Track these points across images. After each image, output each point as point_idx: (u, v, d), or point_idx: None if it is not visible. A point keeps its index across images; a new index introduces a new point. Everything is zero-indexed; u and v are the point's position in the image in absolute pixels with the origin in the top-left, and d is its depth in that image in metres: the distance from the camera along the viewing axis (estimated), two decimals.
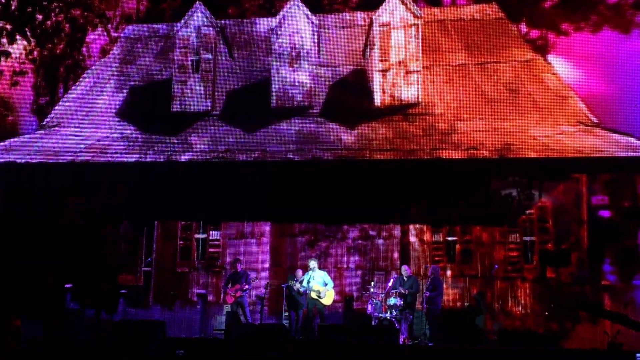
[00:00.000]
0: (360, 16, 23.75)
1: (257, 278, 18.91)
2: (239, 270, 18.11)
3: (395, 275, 17.79)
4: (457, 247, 19.44)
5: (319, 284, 17.54)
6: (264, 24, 23.74)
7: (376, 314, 16.94)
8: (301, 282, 17.53)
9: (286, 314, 17.99)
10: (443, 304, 17.70)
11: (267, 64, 21.98)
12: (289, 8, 21.29)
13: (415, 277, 17.89)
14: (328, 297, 17.59)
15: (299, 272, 18.10)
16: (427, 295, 16.87)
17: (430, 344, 16.19)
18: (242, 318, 17.49)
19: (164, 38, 24.63)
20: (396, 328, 16.23)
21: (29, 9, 25.25)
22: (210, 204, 20.21)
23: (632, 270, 18.84)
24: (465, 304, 19.05)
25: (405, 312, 16.83)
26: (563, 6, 23.26)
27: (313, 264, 17.83)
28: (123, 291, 20.01)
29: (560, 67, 20.97)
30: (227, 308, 18.26)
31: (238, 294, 17.67)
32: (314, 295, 17.48)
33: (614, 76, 20.34)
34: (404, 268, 17.72)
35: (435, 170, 19.04)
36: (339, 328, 16.69)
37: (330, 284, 17.73)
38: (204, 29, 21.70)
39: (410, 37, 20.29)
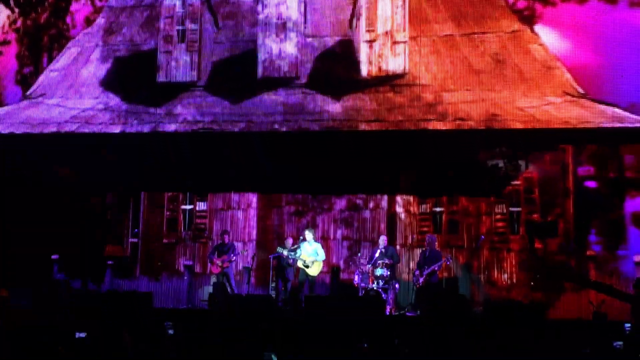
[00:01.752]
0: None
1: (245, 250, 18.93)
2: (226, 242, 18.15)
3: (384, 244, 17.77)
4: (444, 217, 19.51)
5: (308, 254, 17.60)
6: None
7: (363, 284, 17.01)
8: (292, 251, 17.59)
9: (273, 284, 18.04)
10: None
11: (253, 35, 21.78)
12: None
13: (394, 247, 18.00)
14: (315, 268, 17.65)
15: (289, 240, 18.16)
16: (435, 268, 16.80)
17: (416, 314, 16.29)
18: (228, 289, 17.55)
19: (149, 8, 24.34)
20: (383, 299, 16.32)
21: None
22: (196, 175, 20.19)
23: (617, 241, 18.97)
24: (452, 274, 19.14)
25: (391, 282, 16.90)
26: None
27: (309, 235, 17.88)
28: (110, 262, 20.02)
29: (547, 37, 20.91)
30: (213, 279, 18.31)
31: (225, 264, 17.71)
32: (300, 264, 17.55)
33: (600, 47, 20.30)
34: (381, 238, 17.76)
35: (421, 141, 19.06)
36: (325, 299, 16.79)
37: (322, 256, 17.79)
38: None
39: (397, 8, 20.17)
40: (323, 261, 17.92)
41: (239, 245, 19.05)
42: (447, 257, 17.17)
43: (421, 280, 16.85)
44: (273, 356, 9.56)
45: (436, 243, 17.74)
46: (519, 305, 16.41)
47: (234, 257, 17.92)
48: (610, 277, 18.20)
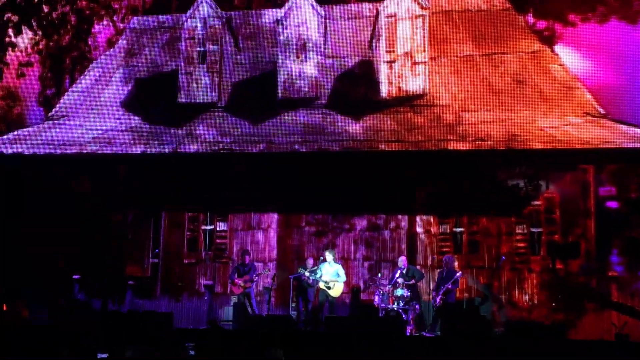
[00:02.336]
0: (366, 7, 23.69)
1: (268, 269, 18.88)
2: (246, 262, 18.15)
3: (404, 265, 17.73)
4: (464, 238, 19.44)
5: (330, 275, 17.60)
6: (270, 15, 23.70)
7: (383, 305, 16.96)
8: (313, 272, 17.59)
9: (294, 304, 18.02)
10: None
11: (273, 56, 21.95)
12: None
13: (415, 267, 17.98)
14: (336, 289, 17.63)
15: (310, 261, 18.18)
16: (449, 287, 16.77)
17: (437, 335, 16.21)
18: (248, 309, 17.55)
19: (170, 29, 24.61)
20: (403, 319, 16.27)
21: (35, 0, 25.29)
22: (217, 195, 20.25)
23: (639, 261, 18.82)
24: (473, 295, 19.06)
25: (412, 303, 16.84)
26: None
27: (329, 256, 17.87)
28: (130, 282, 20.07)
29: (568, 57, 20.92)
30: (234, 299, 18.31)
31: (247, 284, 17.71)
32: (322, 285, 17.54)
33: (621, 67, 20.30)
34: (401, 259, 17.71)
35: (441, 162, 19.05)
36: (346, 320, 16.75)
37: (343, 277, 17.78)
38: (210, 20, 21.67)
39: (417, 28, 20.24)
40: (344, 282, 17.90)
41: (259, 266, 19.06)
42: (458, 272, 17.17)
43: (438, 299, 16.82)
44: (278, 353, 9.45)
45: (455, 263, 17.70)
46: (540, 326, 16.29)
47: (256, 277, 17.93)
48: (632, 298, 18.06)
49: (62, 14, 26.17)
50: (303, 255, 19.41)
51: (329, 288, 17.54)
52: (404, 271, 17.28)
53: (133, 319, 15.47)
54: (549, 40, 22.26)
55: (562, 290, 18.30)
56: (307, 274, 17.55)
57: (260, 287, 19.22)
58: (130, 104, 22.31)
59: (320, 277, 17.55)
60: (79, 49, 26.54)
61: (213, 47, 21.59)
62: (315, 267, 17.76)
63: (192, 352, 11.82)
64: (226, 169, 20.12)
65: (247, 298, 17.82)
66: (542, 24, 22.94)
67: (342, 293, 18.11)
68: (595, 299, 18.15)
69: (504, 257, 18.46)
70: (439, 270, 17.94)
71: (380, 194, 19.51)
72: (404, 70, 20.10)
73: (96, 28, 26.76)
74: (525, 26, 22.29)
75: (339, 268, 17.86)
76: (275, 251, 20.14)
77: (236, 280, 17.82)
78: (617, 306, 17.69)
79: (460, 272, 17.33)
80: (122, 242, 20.87)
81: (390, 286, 17.09)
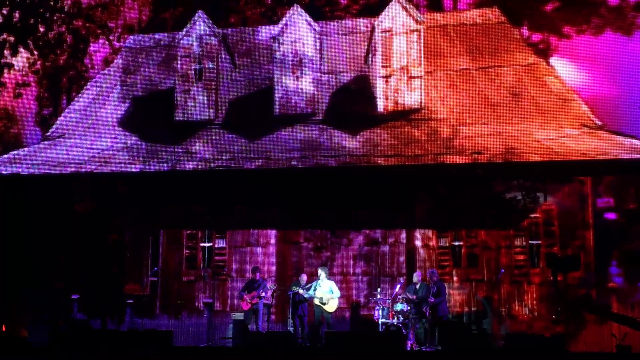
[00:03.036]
0: (362, 22, 23.80)
1: (274, 285, 18.72)
2: (257, 278, 18.07)
3: (402, 281, 17.70)
4: (463, 251, 19.42)
5: (324, 292, 17.55)
6: (265, 32, 23.83)
7: (383, 320, 16.92)
8: (308, 289, 17.54)
9: (291, 321, 17.95)
10: (449, 308, 17.65)
11: (269, 72, 22.03)
12: (291, 15, 21.32)
13: (427, 284, 17.89)
14: (331, 305, 17.57)
15: (304, 277, 18.11)
16: (432, 301, 16.72)
17: (437, 349, 16.15)
18: (252, 325, 17.47)
19: (166, 47, 24.70)
20: (403, 334, 16.22)
21: (32, 20, 25.36)
22: (215, 212, 20.24)
23: (638, 272, 18.81)
24: (472, 308, 19.02)
25: (412, 317, 16.78)
26: (564, 9, 23.30)
27: (322, 273, 17.82)
28: (129, 301, 20.01)
29: (563, 69, 21.04)
30: (236, 316, 18.20)
31: (254, 300, 17.62)
32: (317, 302, 17.49)
33: (616, 78, 20.38)
34: (415, 275, 17.65)
35: (439, 176, 19.06)
36: (346, 335, 16.69)
37: (337, 293, 17.72)
38: (206, 38, 21.72)
39: (412, 43, 20.29)
40: (339, 298, 17.84)
41: (269, 282, 18.96)
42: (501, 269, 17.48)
43: (428, 313, 16.73)
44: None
45: (438, 275, 17.54)
46: (541, 338, 16.25)
47: (264, 294, 17.82)
48: (632, 310, 18.03)
49: (58, 33, 26.27)
50: (302, 271, 19.36)
51: (323, 304, 17.49)
52: (418, 287, 17.20)
53: (133, 338, 15.41)
54: (544, 52, 22.40)
55: (563, 303, 18.27)
56: (301, 291, 17.50)
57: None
58: (127, 123, 22.32)
59: (315, 294, 17.50)
60: (75, 69, 26.62)
61: (209, 65, 21.62)
62: (309, 285, 17.71)
63: None
64: (224, 186, 20.11)
65: (255, 314, 17.70)
66: (537, 37, 23.10)
67: (340, 308, 18.06)
68: (596, 312, 18.12)
69: (503, 270, 18.44)
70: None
71: (379, 209, 19.51)
72: (400, 85, 20.14)
73: (92, 47, 26.88)
74: (520, 39, 22.41)
75: (332, 284, 17.80)
76: (274, 267, 20.10)
77: (245, 296, 17.72)
78: (618, 318, 17.65)
79: (443, 284, 17.32)
80: (121, 260, 20.83)
81: (389, 301, 17.04)
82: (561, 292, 18.47)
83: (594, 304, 18.50)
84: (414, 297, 16.92)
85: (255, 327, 17.54)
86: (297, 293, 17.53)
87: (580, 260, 18.60)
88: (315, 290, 17.52)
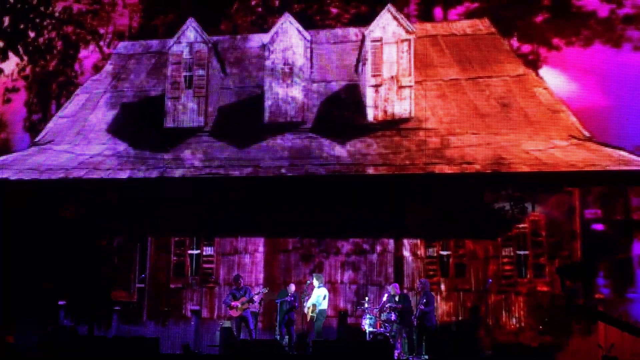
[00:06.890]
0: (352, 32, 23.82)
1: (267, 288, 18.52)
2: (241, 286, 17.92)
3: (390, 290, 17.69)
4: (451, 261, 19.43)
5: (315, 299, 17.56)
6: (256, 40, 23.82)
7: (370, 329, 16.90)
8: (293, 297, 17.56)
9: (278, 329, 17.88)
10: (437, 318, 17.63)
11: (259, 80, 22.05)
12: (281, 24, 21.36)
13: (406, 295, 17.85)
14: (318, 313, 17.56)
15: (292, 286, 18.07)
16: (422, 308, 16.66)
17: (424, 358, 16.15)
18: (244, 333, 17.37)
19: (157, 54, 24.67)
20: (391, 343, 16.21)
21: (22, 26, 25.30)
22: (203, 220, 20.22)
23: (625, 284, 18.87)
24: (460, 318, 19.02)
25: (399, 327, 16.78)
26: (554, 21, 23.38)
27: (316, 281, 17.81)
28: (116, 307, 19.95)
29: (552, 81, 21.05)
30: (225, 323, 18.12)
31: (245, 305, 17.45)
32: (309, 312, 17.49)
33: (605, 90, 20.43)
34: (392, 287, 17.58)
35: (428, 185, 19.08)
36: (333, 343, 16.68)
37: (325, 305, 17.69)
38: (196, 45, 21.73)
39: (403, 53, 20.35)
40: (327, 306, 17.82)
41: (256, 289, 18.81)
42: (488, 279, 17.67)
43: (415, 323, 16.71)
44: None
45: (429, 286, 17.49)
46: (528, 348, 16.29)
47: (255, 296, 17.62)
48: None
49: (48, 39, 26.19)
50: (290, 279, 19.34)
51: (313, 313, 17.48)
52: (397, 299, 17.14)
53: (119, 345, 15.37)
54: (534, 63, 22.42)
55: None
56: (289, 299, 17.51)
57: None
58: (116, 129, 22.28)
59: (305, 302, 17.54)
60: (65, 74, 26.54)
61: (199, 72, 21.63)
62: (305, 295, 17.75)
63: None
64: (212, 193, 20.08)
65: (244, 322, 17.52)
66: (526, 48, 23.11)
67: (327, 317, 18.05)
68: (585, 313, 18.15)
69: (490, 280, 18.47)
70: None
71: (367, 218, 19.51)
72: (390, 94, 20.19)
73: (82, 53, 26.78)
74: (510, 50, 22.47)
75: (325, 292, 17.79)
76: (262, 275, 20.07)
77: (233, 304, 17.51)
78: (607, 318, 17.68)
79: (432, 294, 17.34)
80: (108, 267, 20.77)
81: (377, 310, 17.04)
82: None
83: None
84: (400, 306, 16.89)
85: (248, 333, 17.37)
86: (285, 301, 17.52)
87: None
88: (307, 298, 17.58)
